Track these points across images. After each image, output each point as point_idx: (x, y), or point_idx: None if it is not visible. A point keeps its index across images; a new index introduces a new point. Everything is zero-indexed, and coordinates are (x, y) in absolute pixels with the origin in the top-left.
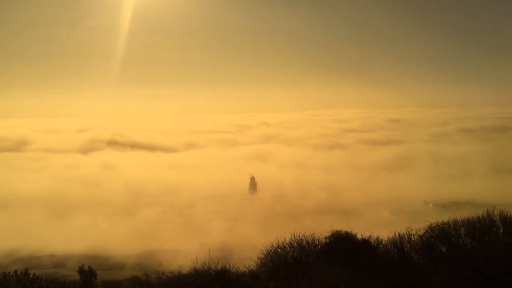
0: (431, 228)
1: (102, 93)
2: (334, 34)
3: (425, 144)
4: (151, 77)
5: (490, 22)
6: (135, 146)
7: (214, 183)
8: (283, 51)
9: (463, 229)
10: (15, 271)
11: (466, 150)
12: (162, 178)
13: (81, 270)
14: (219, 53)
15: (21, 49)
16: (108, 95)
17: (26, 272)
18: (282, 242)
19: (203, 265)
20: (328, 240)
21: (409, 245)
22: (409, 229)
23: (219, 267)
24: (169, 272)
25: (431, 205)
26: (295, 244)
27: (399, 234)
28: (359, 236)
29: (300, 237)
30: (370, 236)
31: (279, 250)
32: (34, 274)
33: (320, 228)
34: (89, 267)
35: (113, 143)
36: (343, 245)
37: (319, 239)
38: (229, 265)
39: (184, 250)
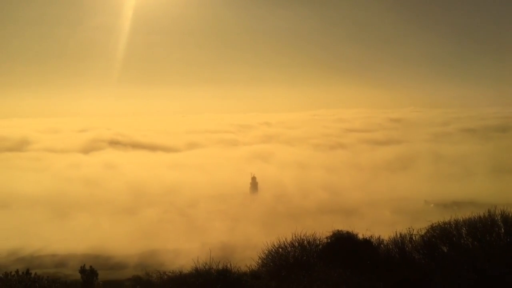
0: (432, 228)
1: (104, 93)
2: (335, 34)
3: (426, 144)
4: (153, 76)
5: (492, 22)
6: (136, 146)
7: (216, 183)
8: (284, 51)
9: (464, 229)
10: (17, 271)
11: (467, 150)
12: (164, 178)
13: (82, 270)
14: (220, 53)
15: (23, 49)
16: (109, 95)
17: (27, 272)
18: (283, 242)
19: (204, 265)
20: (329, 240)
21: (410, 245)
22: (411, 229)
23: (220, 267)
24: (170, 272)
25: (432, 205)
26: (296, 244)
27: (400, 234)
28: (360, 236)
29: (301, 237)
30: (371, 236)
31: (280, 250)
32: (35, 273)
33: (321, 228)
34: (91, 266)
35: (114, 143)
36: (344, 245)
37: (320, 239)
38: (230, 265)
39: (185, 250)
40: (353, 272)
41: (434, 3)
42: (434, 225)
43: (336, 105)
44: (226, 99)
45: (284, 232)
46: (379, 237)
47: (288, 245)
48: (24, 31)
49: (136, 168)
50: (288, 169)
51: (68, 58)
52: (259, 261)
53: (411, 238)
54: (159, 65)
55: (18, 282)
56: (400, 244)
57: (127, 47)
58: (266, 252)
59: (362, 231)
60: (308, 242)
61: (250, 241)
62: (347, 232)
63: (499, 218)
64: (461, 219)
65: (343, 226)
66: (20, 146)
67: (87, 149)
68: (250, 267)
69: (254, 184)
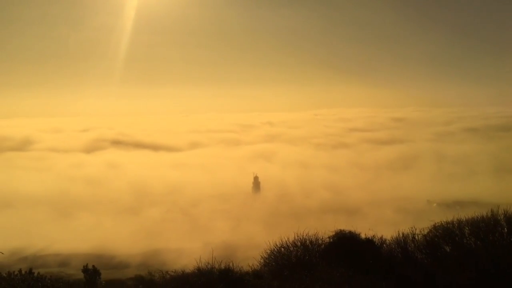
0: (435, 227)
1: (106, 93)
2: (337, 34)
3: (429, 143)
4: (155, 76)
5: (494, 22)
6: (139, 145)
7: (218, 182)
8: (286, 50)
9: (467, 228)
10: (20, 270)
11: (470, 149)
12: (166, 177)
13: (85, 269)
14: (222, 52)
15: (26, 49)
16: (111, 95)
17: (30, 271)
18: (286, 242)
19: (206, 264)
20: (331, 240)
21: (413, 245)
22: (413, 228)
23: (222, 266)
24: (172, 271)
25: (435, 204)
26: (299, 243)
27: (403, 234)
28: (362, 236)
29: (304, 236)
30: (374, 236)
31: (282, 249)
32: (38, 273)
33: (323, 228)
34: (93, 266)
35: (117, 143)
36: (346, 245)
37: (322, 238)
38: (233, 264)
39: (187, 249)
40: (356, 272)
41: (437, 3)
42: (436, 224)
43: (338, 105)
44: (228, 98)
45: (286, 232)
46: (382, 236)
47: (290, 245)
48: (26, 30)
49: (139, 168)
50: (290, 169)
51: (70, 58)
52: (261, 261)
53: (413, 237)
54: (161, 65)
55: (21, 281)
56: (403, 243)
57: (129, 47)
58: (269, 251)
59: (364, 230)
60: (311, 241)
61: (252, 241)
62: (350, 232)
63: (502, 217)
64: (464, 219)
65: (346, 225)
66: (22, 145)
67: (90, 149)
68: (253, 267)
69: (256, 183)
